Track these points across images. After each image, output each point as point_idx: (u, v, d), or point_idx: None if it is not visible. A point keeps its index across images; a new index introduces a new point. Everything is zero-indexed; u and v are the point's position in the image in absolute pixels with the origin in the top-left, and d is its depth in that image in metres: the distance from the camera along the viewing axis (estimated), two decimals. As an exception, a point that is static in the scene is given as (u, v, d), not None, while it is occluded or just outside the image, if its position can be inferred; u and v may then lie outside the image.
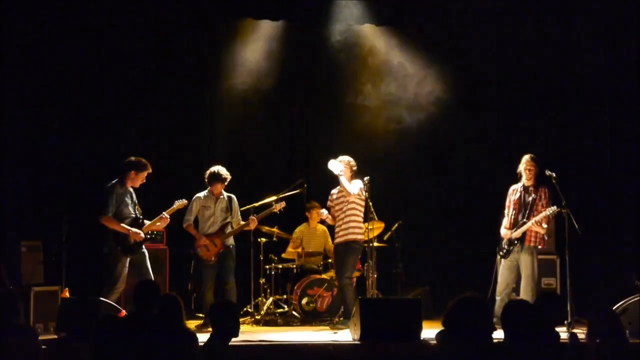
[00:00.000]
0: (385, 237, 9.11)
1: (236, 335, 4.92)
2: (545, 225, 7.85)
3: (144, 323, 5.02)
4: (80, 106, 9.31)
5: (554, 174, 7.82)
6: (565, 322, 7.43)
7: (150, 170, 7.78)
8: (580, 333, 7.12)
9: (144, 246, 7.76)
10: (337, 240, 8.18)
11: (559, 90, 9.86)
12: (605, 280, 8.94)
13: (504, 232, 8.04)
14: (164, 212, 7.85)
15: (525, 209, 7.93)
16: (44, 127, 9.06)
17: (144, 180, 7.80)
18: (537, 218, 7.79)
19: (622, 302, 7.11)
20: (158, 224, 7.87)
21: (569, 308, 7.52)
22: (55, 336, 6.88)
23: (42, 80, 9.04)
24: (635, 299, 7.12)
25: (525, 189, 7.99)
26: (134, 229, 7.61)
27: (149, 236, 7.87)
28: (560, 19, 9.56)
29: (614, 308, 6.87)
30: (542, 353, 4.26)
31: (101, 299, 7.04)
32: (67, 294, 7.53)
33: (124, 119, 9.55)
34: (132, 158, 7.77)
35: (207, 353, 4.82)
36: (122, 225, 7.58)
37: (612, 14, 9.37)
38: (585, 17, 9.43)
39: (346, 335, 7.13)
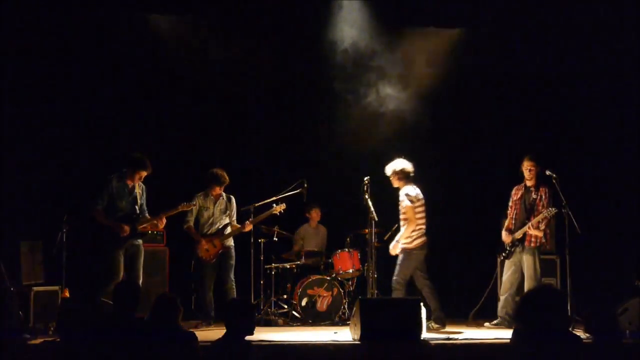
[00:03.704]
0: (386, 238, 9.10)
1: (251, 333, 4.92)
2: (542, 228, 7.87)
3: (125, 323, 5.01)
4: (81, 106, 9.31)
5: (554, 174, 7.84)
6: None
7: (147, 171, 7.73)
8: (580, 333, 7.17)
9: (140, 244, 7.76)
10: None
11: (559, 89, 9.87)
12: (605, 280, 8.94)
13: (504, 234, 8.06)
14: (161, 214, 7.84)
15: (526, 209, 7.94)
16: (44, 127, 9.06)
17: (141, 179, 7.77)
18: (534, 221, 7.81)
19: (622, 302, 7.12)
20: (155, 222, 7.83)
21: (569, 308, 7.53)
22: (55, 336, 6.87)
23: (42, 80, 9.04)
24: (635, 299, 7.13)
25: (527, 188, 8.02)
26: (119, 224, 7.58)
27: (145, 233, 7.86)
28: (560, 18, 9.56)
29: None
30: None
31: (102, 299, 7.05)
32: (67, 294, 7.53)
33: (124, 119, 9.54)
34: (135, 154, 7.78)
35: (220, 351, 4.81)
36: (108, 219, 7.59)
37: (612, 14, 9.36)
38: (585, 16, 9.42)
39: (346, 335, 7.13)
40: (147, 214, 7.91)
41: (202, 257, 8.31)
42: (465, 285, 9.51)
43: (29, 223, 8.47)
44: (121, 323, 5.03)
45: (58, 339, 6.70)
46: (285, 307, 8.91)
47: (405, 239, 7.96)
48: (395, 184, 8.07)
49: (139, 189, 7.84)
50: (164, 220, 7.89)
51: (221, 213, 8.41)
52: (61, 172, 9.02)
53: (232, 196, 8.52)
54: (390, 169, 8.06)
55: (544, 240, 7.96)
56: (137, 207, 7.80)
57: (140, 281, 7.63)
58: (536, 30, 9.66)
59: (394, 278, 7.95)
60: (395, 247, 8.00)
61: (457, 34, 9.88)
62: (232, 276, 8.33)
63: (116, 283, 7.46)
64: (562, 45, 9.69)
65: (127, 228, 7.61)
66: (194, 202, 8.13)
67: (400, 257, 7.99)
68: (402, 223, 8.04)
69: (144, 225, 7.80)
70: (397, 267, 7.98)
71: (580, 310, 7.58)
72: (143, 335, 4.94)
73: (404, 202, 7.97)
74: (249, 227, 8.41)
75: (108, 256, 7.58)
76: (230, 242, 8.44)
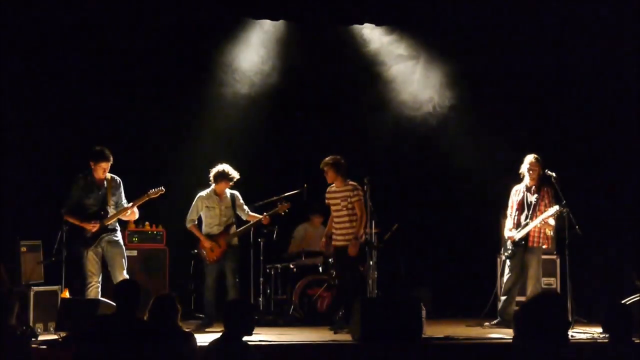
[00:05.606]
0: (386, 238, 9.10)
1: (250, 334, 4.90)
2: (552, 222, 7.85)
3: (126, 323, 5.01)
4: (80, 106, 9.30)
5: (554, 174, 7.84)
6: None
7: (106, 162, 7.59)
8: (580, 333, 7.19)
9: (116, 240, 7.68)
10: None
11: (559, 89, 9.87)
12: (605, 280, 8.94)
13: (507, 233, 8.05)
14: (129, 204, 7.75)
15: (528, 210, 7.95)
16: (44, 126, 9.05)
17: (105, 173, 7.65)
18: (541, 218, 7.78)
19: (622, 301, 7.12)
20: (125, 213, 7.72)
21: (569, 308, 7.53)
22: (55, 336, 6.88)
23: (42, 79, 9.04)
24: (635, 299, 7.14)
25: (528, 189, 8.01)
26: (86, 223, 7.56)
27: (113, 228, 7.70)
28: (560, 18, 9.56)
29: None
30: None
31: (100, 298, 7.04)
32: (67, 294, 7.53)
33: (125, 119, 9.54)
34: (94, 147, 7.70)
35: (217, 352, 4.80)
36: (76, 219, 7.57)
37: (611, 13, 9.36)
38: (584, 16, 9.42)
39: (346, 335, 7.12)
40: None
41: (206, 257, 8.24)
42: (465, 286, 9.51)
43: (29, 223, 8.47)
44: (122, 323, 5.02)
45: (58, 339, 6.71)
46: (285, 307, 8.90)
47: (358, 233, 7.88)
48: (332, 178, 7.96)
49: (110, 184, 7.71)
50: (135, 210, 7.76)
51: (226, 211, 8.31)
52: (61, 172, 9.01)
53: (235, 192, 8.37)
54: (333, 164, 7.94)
55: (550, 238, 7.96)
56: (107, 203, 7.67)
57: (122, 278, 7.36)
58: (536, 28, 9.66)
59: (348, 279, 7.91)
60: (355, 246, 7.85)
61: (456, 33, 9.87)
62: (236, 277, 8.21)
63: (95, 285, 7.50)
64: (561, 43, 9.69)
65: (92, 225, 7.56)
66: (161, 188, 7.83)
67: (350, 253, 7.89)
68: (344, 219, 7.94)
69: (112, 220, 7.66)
70: (348, 266, 7.92)
71: (579, 311, 7.60)
72: (143, 335, 4.93)
73: (357, 197, 7.89)
74: (267, 219, 8.33)
75: (79, 259, 7.57)
76: (235, 241, 8.34)
